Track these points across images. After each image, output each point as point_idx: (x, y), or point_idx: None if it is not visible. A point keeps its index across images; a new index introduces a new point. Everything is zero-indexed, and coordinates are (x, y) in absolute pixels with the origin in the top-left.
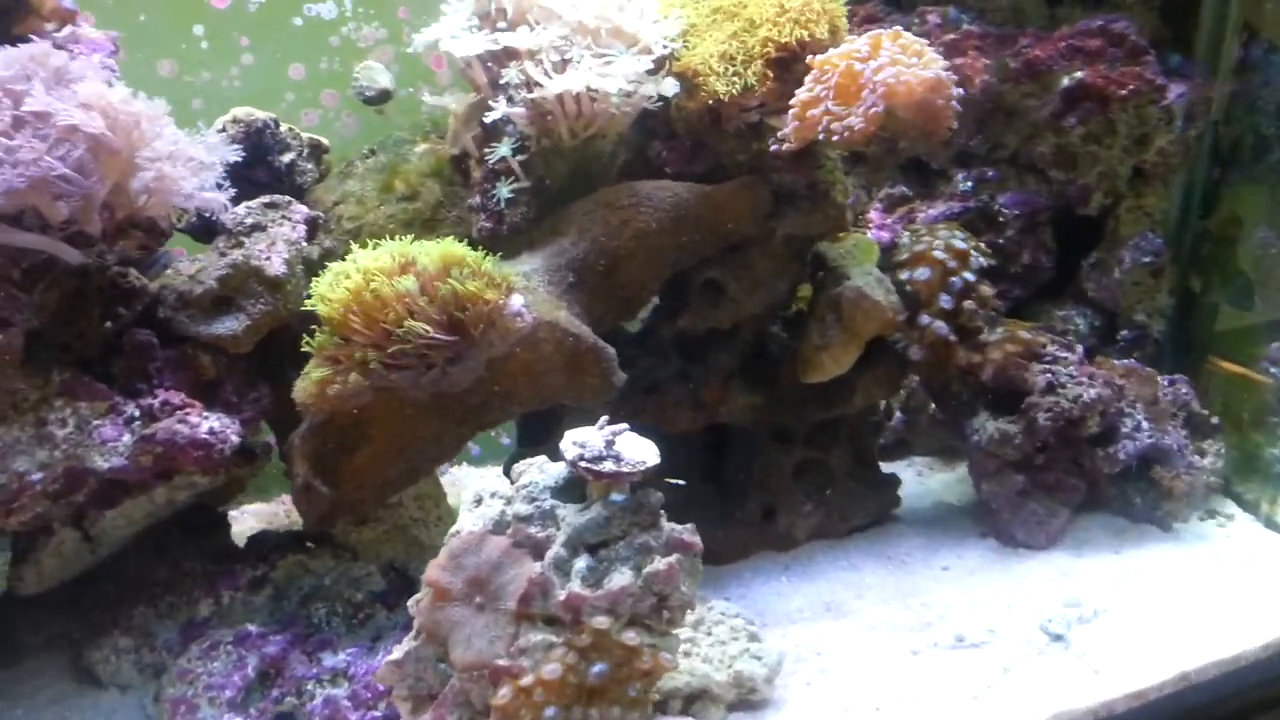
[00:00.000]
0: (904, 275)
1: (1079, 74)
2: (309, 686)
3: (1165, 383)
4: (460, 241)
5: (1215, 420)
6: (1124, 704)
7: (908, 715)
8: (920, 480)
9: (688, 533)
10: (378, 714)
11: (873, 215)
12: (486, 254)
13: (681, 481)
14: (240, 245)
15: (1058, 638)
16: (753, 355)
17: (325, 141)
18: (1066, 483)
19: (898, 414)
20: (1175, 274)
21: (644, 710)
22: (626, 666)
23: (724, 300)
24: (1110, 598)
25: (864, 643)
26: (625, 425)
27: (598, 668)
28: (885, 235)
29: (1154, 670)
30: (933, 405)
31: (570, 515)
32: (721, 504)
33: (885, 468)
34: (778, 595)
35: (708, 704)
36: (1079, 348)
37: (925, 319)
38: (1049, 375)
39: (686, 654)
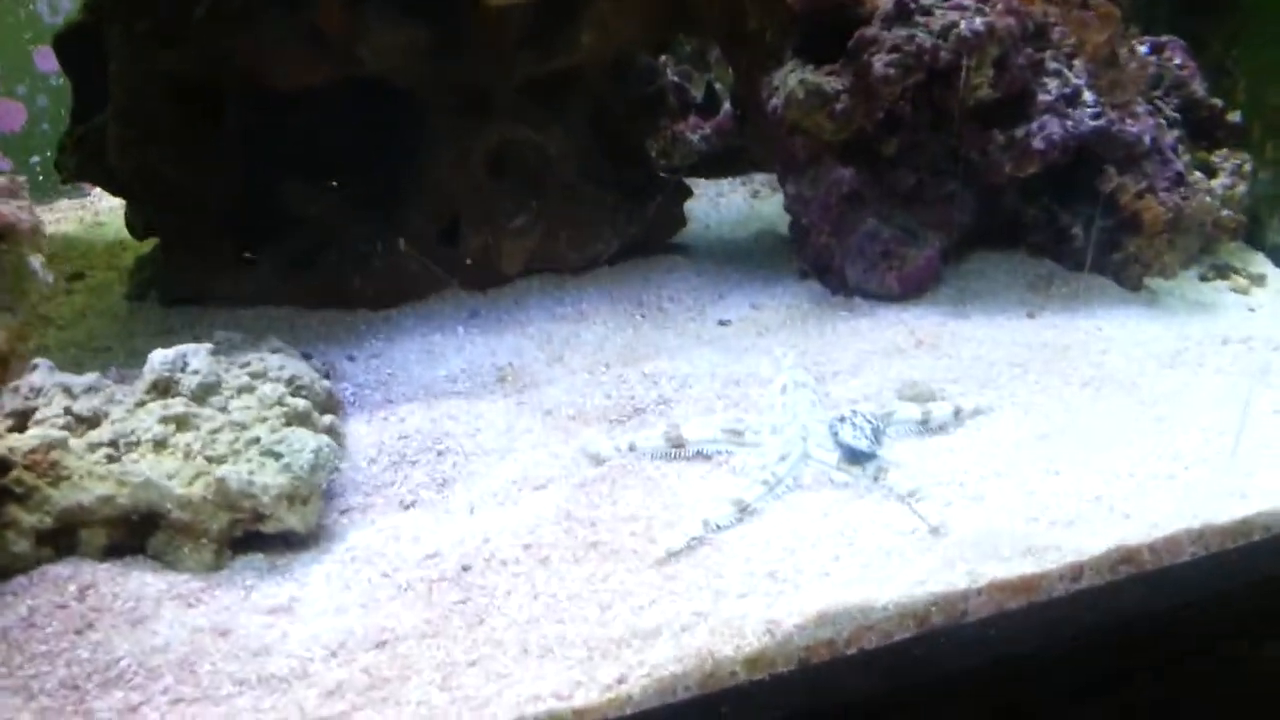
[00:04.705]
0: None
1: None
2: None
3: (1145, 48)
4: None
5: (1236, 118)
6: (989, 601)
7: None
8: (752, 203)
9: None
10: None
11: None
12: None
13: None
14: None
15: (858, 455)
16: None
17: None
18: (939, 188)
19: (726, 106)
20: None
21: None
22: None
23: None
24: (1001, 392)
25: (524, 436)
26: None
27: None
28: None
29: (1064, 539)
30: None
31: None
32: (379, 214)
33: (708, 187)
34: (428, 355)
35: (172, 537)
36: None
37: None
38: None
39: (162, 443)
